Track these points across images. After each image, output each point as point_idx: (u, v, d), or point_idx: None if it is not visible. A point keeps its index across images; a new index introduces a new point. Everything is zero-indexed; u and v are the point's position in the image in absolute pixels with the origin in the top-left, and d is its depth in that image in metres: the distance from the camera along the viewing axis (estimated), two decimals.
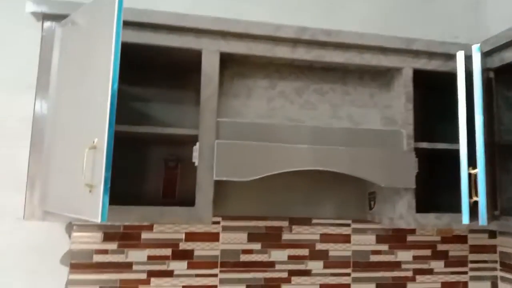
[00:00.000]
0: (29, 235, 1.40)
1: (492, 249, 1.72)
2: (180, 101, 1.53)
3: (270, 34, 1.28)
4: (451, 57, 1.40)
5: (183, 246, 1.49)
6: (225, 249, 1.51)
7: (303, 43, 1.32)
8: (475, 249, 1.70)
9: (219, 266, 1.50)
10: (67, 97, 1.05)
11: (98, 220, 0.83)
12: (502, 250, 1.70)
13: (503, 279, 1.69)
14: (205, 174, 1.22)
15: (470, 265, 1.69)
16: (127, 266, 1.44)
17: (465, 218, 1.22)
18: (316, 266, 1.57)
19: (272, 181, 1.55)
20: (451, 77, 1.44)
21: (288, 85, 1.41)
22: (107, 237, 1.44)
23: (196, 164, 1.22)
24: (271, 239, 1.54)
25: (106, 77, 0.88)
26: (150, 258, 1.46)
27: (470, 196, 1.21)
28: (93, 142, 0.89)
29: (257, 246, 1.53)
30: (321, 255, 1.57)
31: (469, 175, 1.22)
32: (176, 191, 1.48)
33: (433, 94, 1.67)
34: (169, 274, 1.46)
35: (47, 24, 1.17)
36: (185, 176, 1.47)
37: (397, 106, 1.41)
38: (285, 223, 1.56)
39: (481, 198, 1.15)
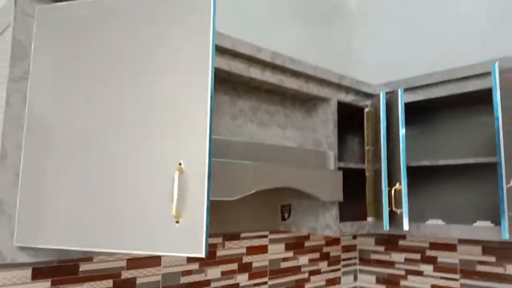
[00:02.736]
0: None
1: (353, 248, 2.14)
2: None
3: (251, 54, 1.30)
4: (362, 93, 1.73)
5: (125, 274, 1.31)
6: (166, 273, 1.40)
7: (270, 67, 1.39)
8: (345, 249, 2.09)
9: None
10: (84, 100, 0.84)
11: (202, 254, 0.72)
12: (360, 248, 2.15)
13: (361, 271, 2.13)
14: None
15: (342, 263, 2.07)
16: None
17: (386, 225, 1.53)
18: (242, 278, 1.62)
19: None
20: (359, 109, 1.78)
21: (245, 103, 1.45)
22: (38, 274, 1.13)
23: None
24: (208, 257, 1.52)
25: (199, 80, 0.77)
26: None
27: (390, 207, 1.54)
28: (179, 164, 0.76)
29: (195, 266, 1.48)
30: (247, 268, 1.64)
31: (389, 190, 1.55)
32: None
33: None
34: None
35: None
36: None
37: (322, 131, 1.63)
38: (219, 240, 1.56)
39: (405, 209, 1.48)
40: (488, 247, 1.70)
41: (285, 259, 1.79)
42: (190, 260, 1.47)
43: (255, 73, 1.35)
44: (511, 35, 1.76)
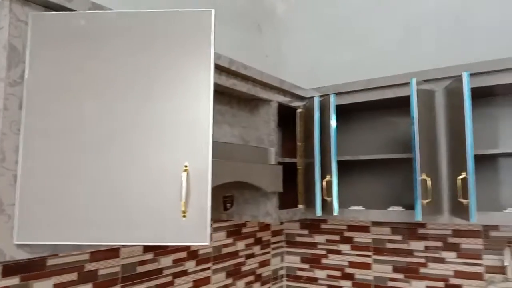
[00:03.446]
0: None
1: (281, 232, 2.38)
2: None
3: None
4: (296, 96, 1.94)
5: (88, 267, 1.36)
6: (124, 264, 1.48)
7: (226, 72, 1.52)
8: (274, 233, 2.31)
9: (119, 281, 1.46)
10: (93, 108, 0.91)
11: (208, 242, 0.85)
12: (287, 232, 2.39)
13: (288, 253, 2.38)
14: None
15: (272, 246, 2.29)
16: None
17: (319, 211, 1.77)
18: (190, 265, 1.75)
19: None
20: (291, 109, 1.99)
21: None
22: (7, 272, 1.15)
23: None
24: (160, 247, 1.61)
25: (201, 93, 0.89)
26: (56, 286, 1.26)
27: (322, 196, 1.78)
28: (185, 166, 0.87)
29: (150, 256, 1.57)
30: (194, 255, 1.77)
31: (322, 181, 1.79)
32: None
33: None
34: None
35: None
36: None
37: (264, 129, 1.81)
38: None
39: (335, 197, 1.73)
40: (395, 228, 2.04)
41: (225, 245, 1.95)
42: (145, 250, 1.55)
43: (213, 77, 1.47)
44: (419, 48, 2.11)
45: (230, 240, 1.98)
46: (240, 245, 2.05)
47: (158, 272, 1.61)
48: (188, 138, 0.90)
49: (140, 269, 1.53)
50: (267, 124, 1.81)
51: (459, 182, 1.47)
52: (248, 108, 1.84)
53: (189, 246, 1.74)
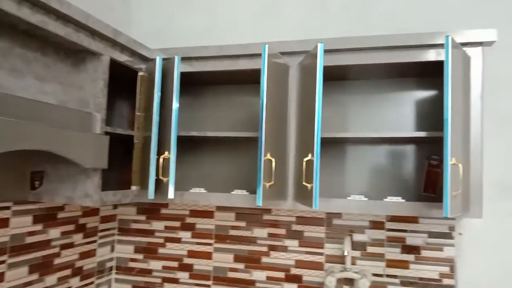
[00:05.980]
0: None
1: (113, 218, 2.04)
2: None
3: None
4: (138, 55, 1.62)
5: None
6: None
7: (30, 3, 1.13)
8: (103, 219, 1.96)
9: None
10: None
11: None
12: (120, 218, 2.06)
13: (120, 241, 2.05)
14: None
15: (100, 234, 1.94)
16: None
17: (151, 193, 1.49)
18: None
19: None
20: (133, 72, 1.66)
21: None
22: None
23: None
24: None
25: None
26: None
27: (157, 176, 1.50)
28: None
29: None
30: None
31: (158, 158, 1.51)
32: None
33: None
34: None
35: None
36: None
37: (90, 89, 1.46)
38: None
39: (171, 178, 1.47)
40: (240, 213, 1.87)
41: (31, 233, 1.55)
42: None
43: (9, 5, 1.07)
44: (277, 20, 1.95)
45: (38, 227, 1.57)
46: (54, 233, 1.66)
47: None
48: None
49: None
50: (94, 83, 1.45)
51: (304, 165, 1.33)
52: (71, 61, 1.46)
53: None
